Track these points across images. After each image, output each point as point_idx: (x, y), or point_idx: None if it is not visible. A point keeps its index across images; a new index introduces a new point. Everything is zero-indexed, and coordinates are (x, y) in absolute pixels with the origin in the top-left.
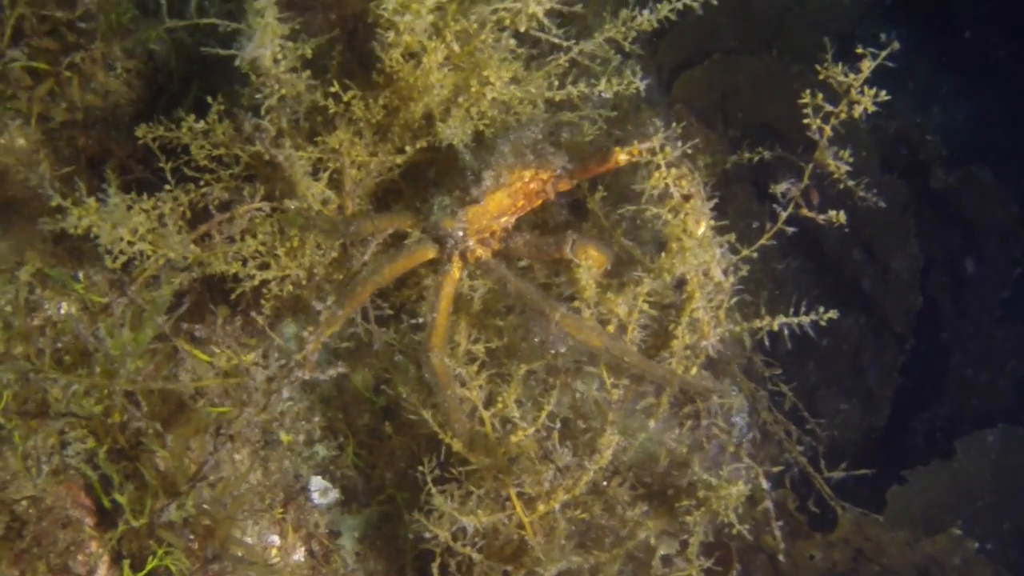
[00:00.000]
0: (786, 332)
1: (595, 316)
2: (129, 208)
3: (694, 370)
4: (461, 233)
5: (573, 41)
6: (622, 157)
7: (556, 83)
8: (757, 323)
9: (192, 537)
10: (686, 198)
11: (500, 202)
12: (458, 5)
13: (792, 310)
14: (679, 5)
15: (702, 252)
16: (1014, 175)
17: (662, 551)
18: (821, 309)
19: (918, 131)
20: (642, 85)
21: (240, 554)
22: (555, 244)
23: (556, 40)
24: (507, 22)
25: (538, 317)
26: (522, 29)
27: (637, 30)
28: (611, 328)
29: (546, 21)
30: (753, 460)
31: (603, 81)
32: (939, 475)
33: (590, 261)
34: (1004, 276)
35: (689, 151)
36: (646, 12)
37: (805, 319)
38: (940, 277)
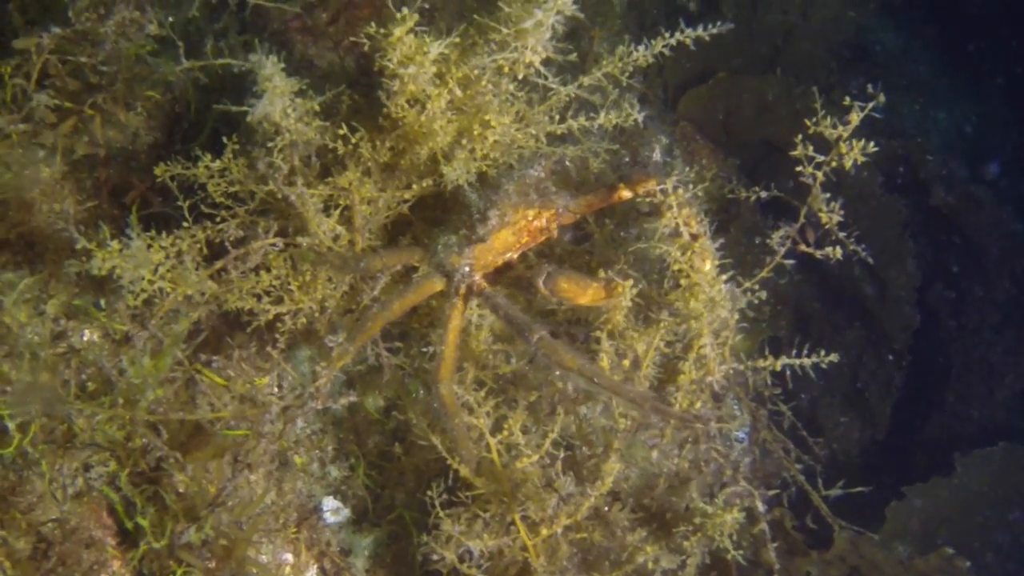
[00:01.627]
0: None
1: (614, 348)
2: (149, 247)
3: (698, 404)
4: (468, 269)
5: (571, 84)
6: (625, 194)
7: (557, 117)
8: (760, 363)
9: (209, 556)
10: (694, 237)
11: (505, 239)
12: (459, 54)
13: (795, 351)
14: (672, 42)
15: (710, 289)
16: (1017, 180)
17: (664, 564)
18: (822, 352)
19: (919, 149)
20: (640, 116)
21: (255, 572)
22: (532, 277)
23: (553, 85)
24: (506, 69)
25: (519, 336)
26: (520, 76)
27: (634, 66)
28: (626, 363)
29: (542, 69)
30: (751, 481)
31: (602, 114)
32: (938, 491)
33: (562, 293)
34: (1003, 292)
35: (699, 193)
36: (642, 48)
37: (807, 361)
38: (941, 293)
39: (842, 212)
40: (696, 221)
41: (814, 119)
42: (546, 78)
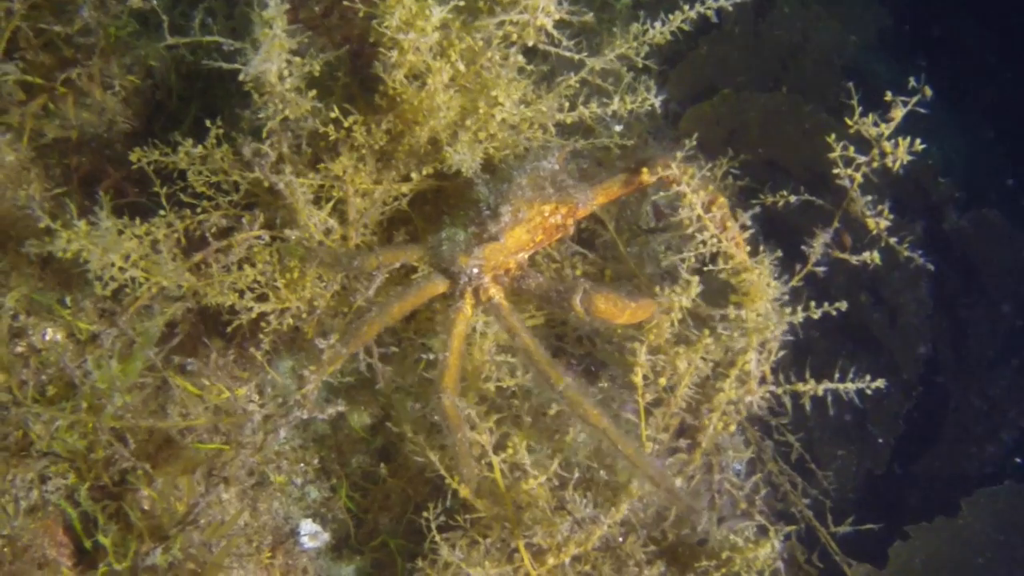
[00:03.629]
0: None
1: (650, 364)
2: (121, 233)
3: (732, 427)
4: (476, 270)
5: (584, 54)
6: (647, 178)
7: (567, 105)
8: (800, 386)
9: None
10: (723, 223)
11: (518, 238)
12: (463, 20)
13: (837, 375)
14: (692, 14)
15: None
16: (1010, 213)
17: None
18: (868, 377)
19: (931, 172)
20: (657, 101)
21: None
22: (565, 294)
23: (567, 54)
24: (514, 37)
25: (542, 381)
26: (530, 44)
27: (650, 44)
28: (663, 381)
29: (556, 33)
30: (767, 515)
31: (616, 99)
32: (942, 531)
33: (599, 314)
34: (1010, 321)
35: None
36: (658, 25)
37: (851, 386)
38: (943, 321)
39: (891, 216)
40: (717, 207)
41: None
42: (561, 43)
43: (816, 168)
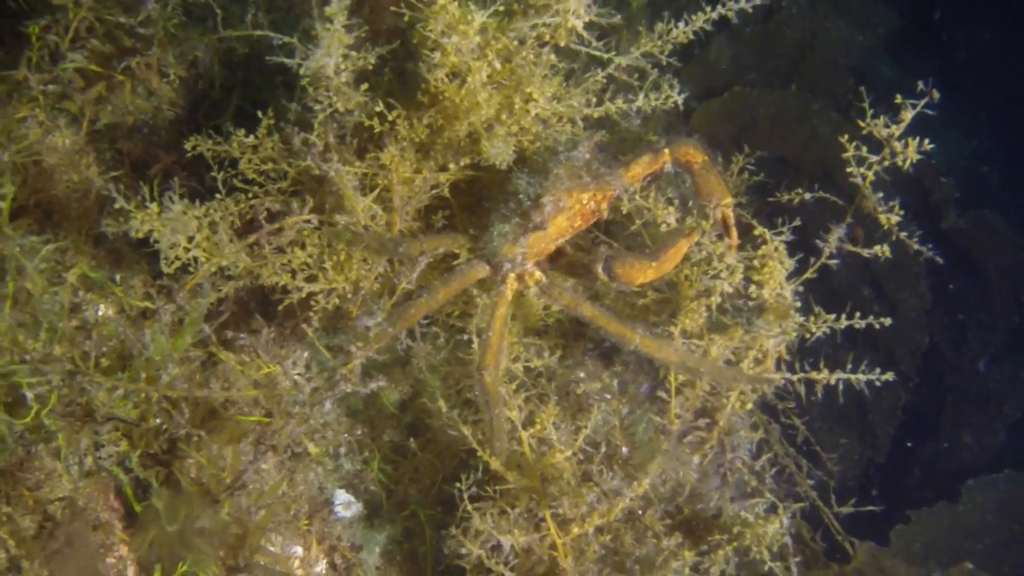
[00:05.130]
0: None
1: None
2: (184, 213)
3: (749, 405)
4: (520, 258)
5: (612, 53)
6: (668, 158)
7: (594, 100)
8: (815, 375)
9: (219, 545)
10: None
11: (560, 225)
12: (498, 23)
13: (850, 366)
14: (714, 16)
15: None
16: (1008, 213)
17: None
18: (878, 370)
19: (932, 172)
20: (680, 98)
21: (265, 563)
22: (589, 263)
23: (596, 53)
24: (547, 37)
25: (616, 341)
26: (562, 44)
27: (674, 43)
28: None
29: (586, 34)
30: (776, 493)
31: (641, 96)
32: (943, 516)
33: (622, 277)
34: (1007, 318)
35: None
36: (681, 24)
37: (862, 377)
38: (943, 317)
39: (902, 212)
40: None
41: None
42: (589, 44)
43: (825, 165)
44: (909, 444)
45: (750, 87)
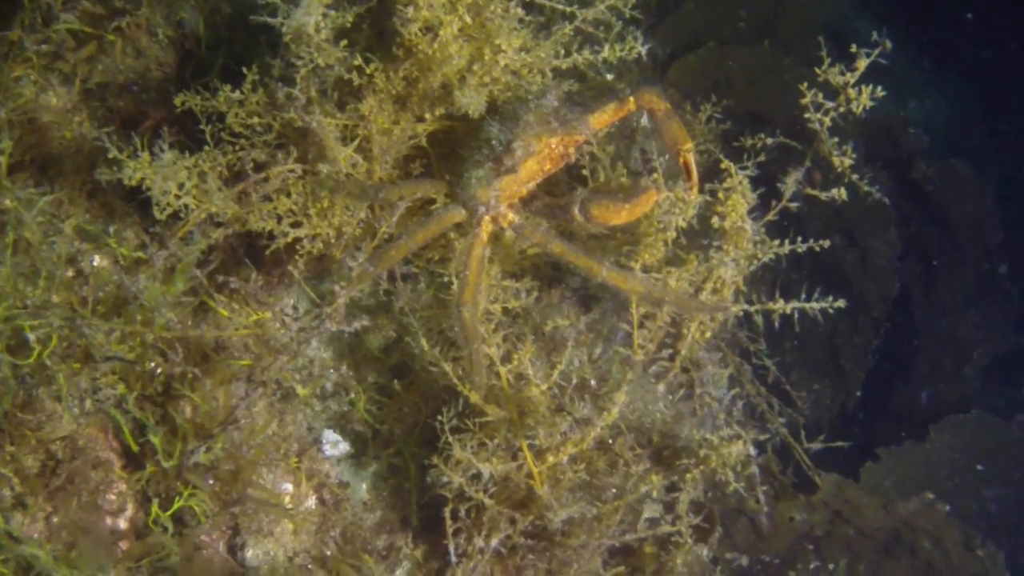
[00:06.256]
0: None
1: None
2: (174, 162)
3: (708, 334)
4: (494, 200)
5: (576, 7)
6: (633, 106)
7: (563, 52)
8: (771, 305)
9: (213, 480)
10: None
11: (530, 169)
12: None
13: (804, 295)
14: None
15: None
16: (986, 169)
17: (647, 513)
18: (831, 298)
19: (901, 123)
20: (643, 49)
21: (259, 496)
22: (566, 205)
23: (561, 7)
24: None
25: (584, 274)
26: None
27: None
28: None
29: None
30: (743, 425)
31: (606, 47)
32: (911, 455)
33: (598, 218)
34: (976, 266)
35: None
36: None
37: (816, 305)
38: (914, 265)
39: (854, 156)
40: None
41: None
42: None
43: (795, 119)
44: (880, 388)
45: (725, 43)
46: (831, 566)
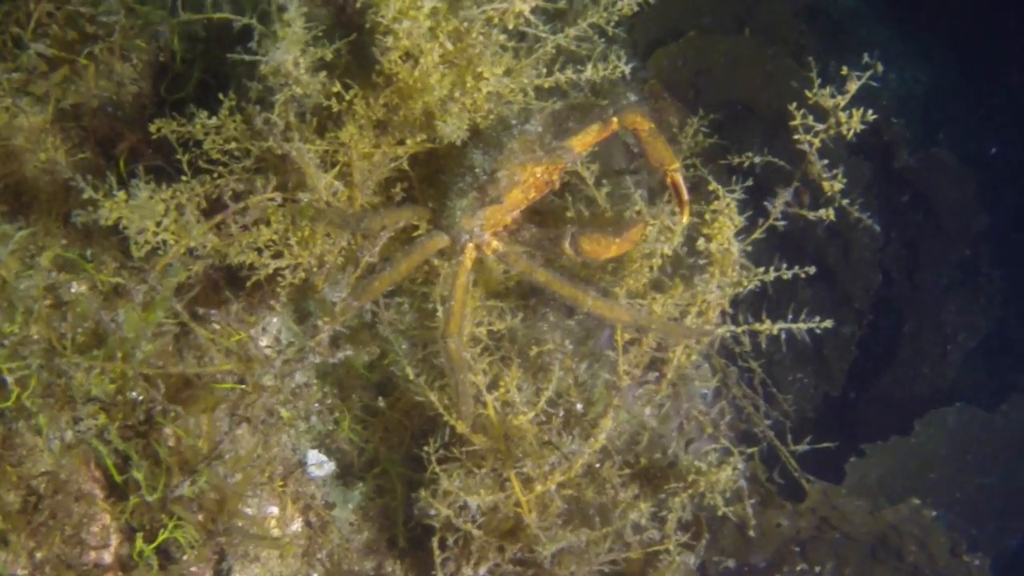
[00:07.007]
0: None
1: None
2: (150, 197)
3: (694, 356)
4: (478, 230)
5: (560, 33)
6: (616, 127)
7: (544, 71)
8: (758, 326)
9: (198, 510)
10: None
11: (515, 197)
12: (449, 6)
13: (791, 316)
14: None
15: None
16: (966, 145)
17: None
18: (818, 318)
19: (884, 113)
20: (627, 69)
21: (243, 526)
22: (555, 240)
23: (543, 35)
24: (495, 20)
25: (570, 303)
26: (510, 27)
27: (619, 15)
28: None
29: (532, 18)
30: (731, 439)
31: (589, 67)
32: (897, 449)
33: (587, 254)
34: (959, 253)
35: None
36: None
37: (803, 326)
38: (898, 252)
39: (844, 180)
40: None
41: (811, 90)
42: (537, 27)
43: (780, 109)
44: (866, 377)
45: (706, 32)
46: (817, 569)
